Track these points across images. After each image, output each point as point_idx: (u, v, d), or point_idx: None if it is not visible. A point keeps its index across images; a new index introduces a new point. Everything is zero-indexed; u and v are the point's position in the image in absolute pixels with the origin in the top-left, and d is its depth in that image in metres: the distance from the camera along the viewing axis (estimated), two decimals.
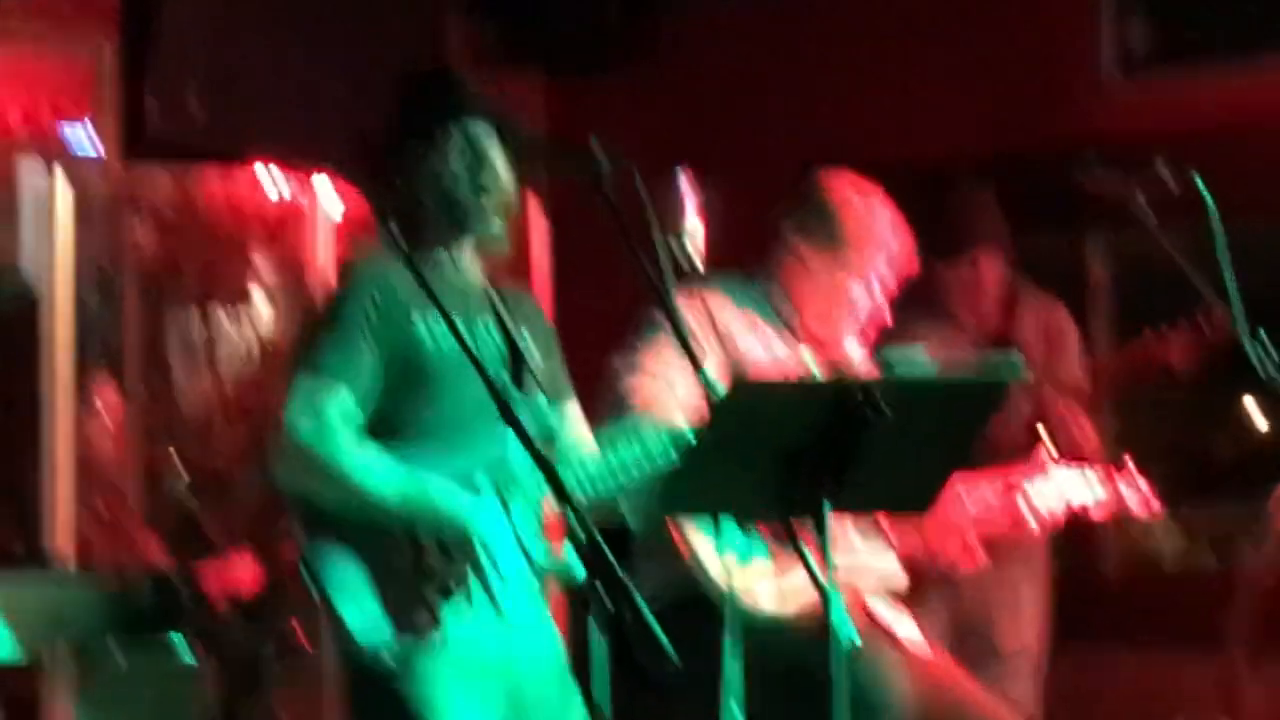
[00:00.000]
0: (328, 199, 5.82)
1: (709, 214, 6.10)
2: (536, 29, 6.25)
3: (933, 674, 3.91)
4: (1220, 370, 4.34)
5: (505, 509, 3.32)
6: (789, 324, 4.06)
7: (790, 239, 4.06)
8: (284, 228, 6.22)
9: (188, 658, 5.00)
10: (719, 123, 6.29)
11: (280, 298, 6.41)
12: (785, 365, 3.93)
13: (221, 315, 6.45)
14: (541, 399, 3.46)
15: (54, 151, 5.65)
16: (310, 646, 5.41)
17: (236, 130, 5.71)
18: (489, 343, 3.43)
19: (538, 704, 3.39)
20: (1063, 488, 4.16)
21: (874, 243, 4.00)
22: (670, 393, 3.76)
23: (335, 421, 3.26)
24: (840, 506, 2.97)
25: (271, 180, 6.00)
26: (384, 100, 3.58)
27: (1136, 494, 4.26)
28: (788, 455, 2.90)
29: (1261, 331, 3.49)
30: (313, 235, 5.86)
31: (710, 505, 3.16)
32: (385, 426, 3.32)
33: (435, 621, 3.25)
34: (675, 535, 3.76)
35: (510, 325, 3.48)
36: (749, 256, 4.19)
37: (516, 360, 3.46)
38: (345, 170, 5.51)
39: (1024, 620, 4.94)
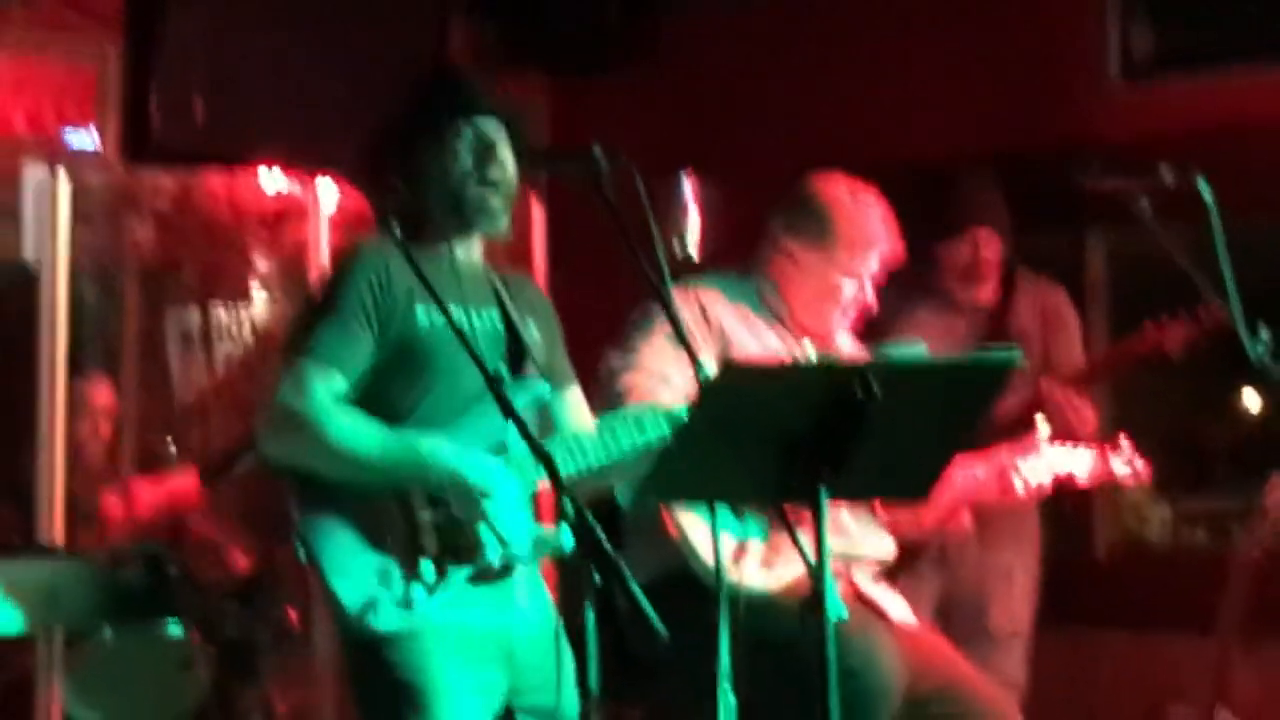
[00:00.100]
0: (328, 197, 5.82)
1: (709, 214, 6.12)
2: (537, 29, 6.25)
3: (923, 650, 3.92)
4: (1217, 359, 4.34)
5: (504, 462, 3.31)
6: (781, 318, 4.07)
7: (781, 238, 4.08)
8: (284, 225, 6.23)
9: (182, 644, 5.00)
10: (719, 123, 6.29)
11: (280, 295, 6.42)
12: (780, 357, 3.94)
13: (221, 312, 6.47)
14: (541, 384, 3.47)
15: (57, 154, 5.66)
16: (304, 632, 5.43)
17: (239, 134, 5.71)
18: (489, 330, 3.45)
19: (532, 669, 3.39)
20: (1052, 462, 4.21)
21: (864, 240, 4.02)
22: (665, 388, 3.78)
23: (323, 396, 3.28)
24: (838, 494, 2.95)
25: (273, 180, 6.01)
26: (386, 102, 3.60)
27: (1127, 465, 4.29)
28: (783, 441, 2.88)
29: (1261, 325, 3.50)
30: (313, 233, 5.86)
31: (704, 491, 3.16)
32: (384, 410, 3.33)
33: (431, 588, 3.25)
34: (664, 514, 3.77)
35: (513, 312, 3.50)
36: (748, 255, 4.20)
37: (517, 347, 3.47)
38: (347, 173, 5.52)
39: (1016, 602, 4.95)
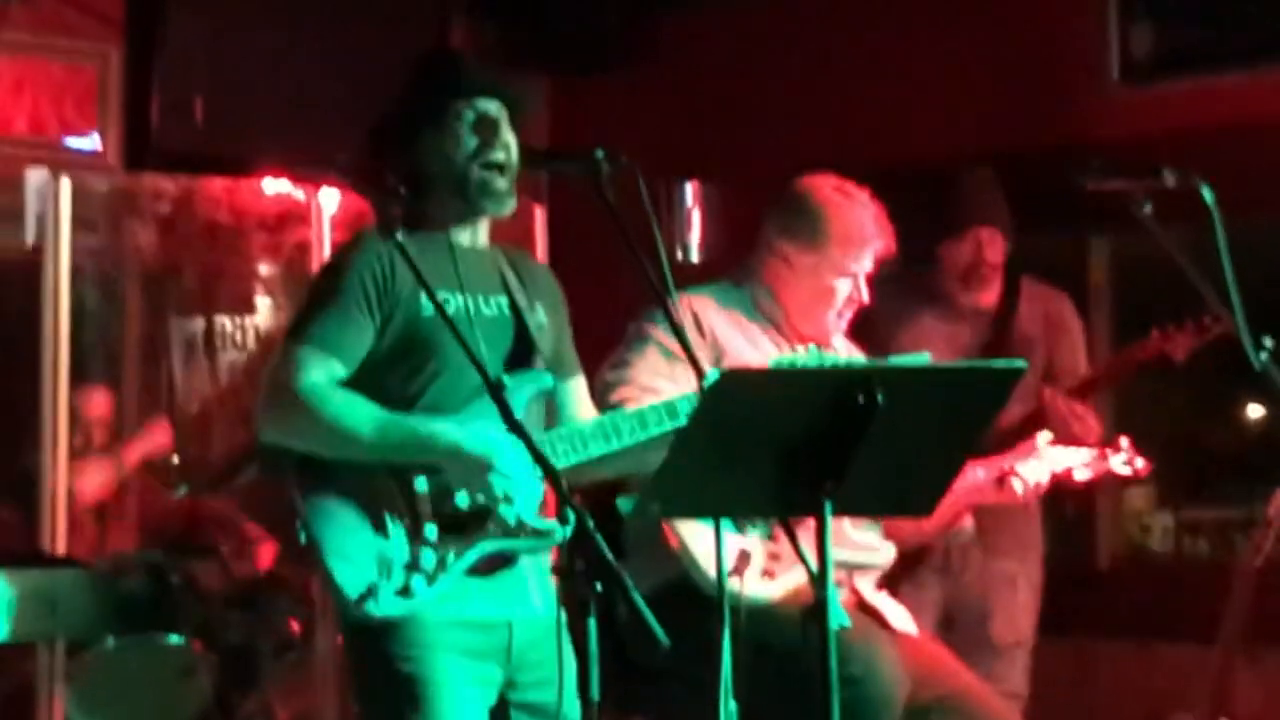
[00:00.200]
0: (330, 199, 5.83)
1: (709, 214, 6.12)
2: (537, 29, 6.25)
3: (925, 658, 3.91)
4: (1220, 367, 4.34)
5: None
6: (776, 324, 4.06)
7: (774, 241, 4.07)
8: (286, 228, 6.23)
9: (184, 652, 5.00)
10: (719, 123, 6.28)
11: (284, 301, 6.42)
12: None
13: (225, 320, 6.47)
14: (545, 376, 3.45)
15: (59, 158, 5.66)
16: (305, 640, 5.43)
17: (241, 137, 5.72)
18: (495, 318, 3.43)
19: (530, 665, 3.38)
20: (1052, 461, 4.22)
21: (858, 238, 4.01)
22: (656, 402, 3.75)
23: (320, 379, 3.27)
24: (842, 508, 2.92)
25: (274, 182, 6.01)
26: (386, 102, 3.57)
27: (1126, 464, 4.30)
28: (785, 450, 2.84)
29: (1267, 340, 3.50)
30: (316, 235, 5.86)
31: (706, 506, 3.11)
32: (390, 398, 3.31)
33: (430, 577, 3.24)
34: (665, 525, 3.76)
35: (520, 300, 3.47)
36: (744, 259, 4.20)
37: (523, 335, 3.45)
38: (347, 177, 5.52)
39: (1019, 612, 4.94)
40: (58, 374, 5.32)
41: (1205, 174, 3.56)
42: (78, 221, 5.48)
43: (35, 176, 5.48)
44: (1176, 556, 5.99)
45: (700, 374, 3.13)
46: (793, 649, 3.04)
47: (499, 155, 3.40)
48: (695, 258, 6.11)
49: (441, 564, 3.27)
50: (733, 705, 3.19)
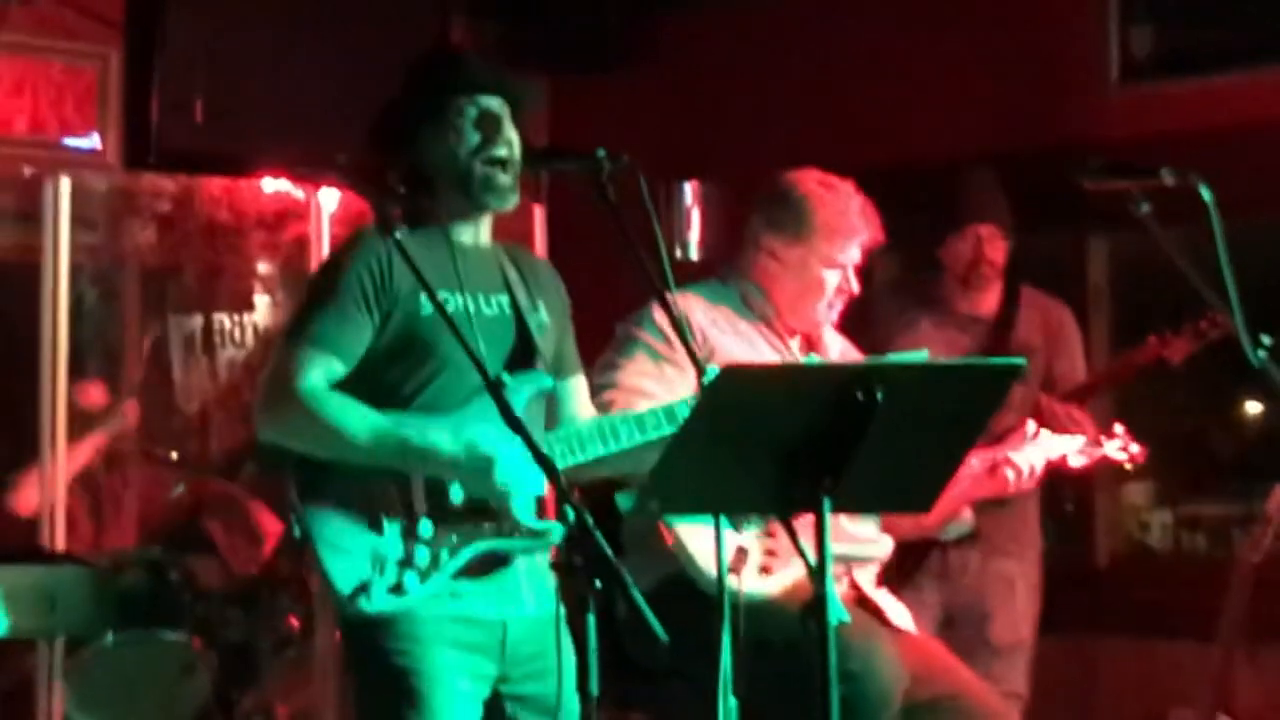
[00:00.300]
0: (329, 196, 5.83)
1: (709, 214, 6.13)
2: (537, 29, 6.26)
3: (923, 656, 3.91)
4: (1219, 366, 4.35)
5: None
6: (767, 320, 4.07)
7: (760, 236, 4.07)
8: (285, 226, 6.23)
9: (184, 649, 5.00)
10: (719, 123, 6.29)
11: (283, 299, 6.43)
12: (773, 361, 3.93)
13: (222, 314, 6.47)
14: (545, 377, 3.45)
15: (59, 158, 5.67)
16: (305, 636, 5.43)
17: (241, 136, 5.72)
18: (496, 316, 3.43)
19: (525, 659, 3.38)
20: (1046, 448, 4.23)
21: (845, 229, 4.01)
22: (646, 404, 3.75)
23: (318, 379, 3.28)
24: (840, 505, 2.92)
25: (273, 180, 6.02)
26: (389, 99, 3.57)
27: (1121, 450, 4.30)
28: (784, 447, 2.84)
29: (1265, 338, 3.50)
30: (315, 233, 5.87)
31: (704, 503, 3.10)
32: (388, 396, 3.32)
33: (423, 574, 3.24)
34: (660, 522, 3.77)
35: (521, 298, 3.47)
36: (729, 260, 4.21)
37: (524, 334, 3.45)
38: (346, 177, 5.53)
39: (1018, 613, 4.94)
40: (57, 372, 5.32)
41: (1205, 174, 3.57)
42: (77, 220, 5.48)
43: (35, 176, 5.50)
44: (1175, 553, 5.99)
45: (699, 370, 3.13)
46: (792, 645, 3.03)
47: (502, 151, 3.39)
48: (695, 256, 6.12)
49: (435, 561, 3.27)
50: (732, 701, 3.19)
